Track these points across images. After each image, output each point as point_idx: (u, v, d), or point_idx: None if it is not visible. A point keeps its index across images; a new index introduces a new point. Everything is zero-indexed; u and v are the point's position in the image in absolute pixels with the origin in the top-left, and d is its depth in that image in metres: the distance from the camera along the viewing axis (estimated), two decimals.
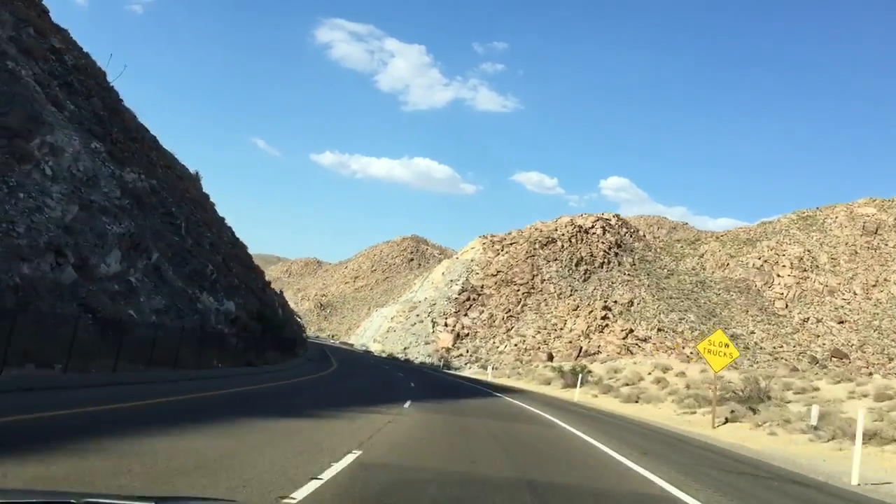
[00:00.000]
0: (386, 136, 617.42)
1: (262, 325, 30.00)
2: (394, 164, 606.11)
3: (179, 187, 35.74)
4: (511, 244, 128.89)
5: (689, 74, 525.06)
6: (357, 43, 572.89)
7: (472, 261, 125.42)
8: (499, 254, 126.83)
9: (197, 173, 47.36)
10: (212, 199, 47.13)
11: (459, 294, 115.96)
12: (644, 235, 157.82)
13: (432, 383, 35.34)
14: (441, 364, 71.71)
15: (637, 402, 32.91)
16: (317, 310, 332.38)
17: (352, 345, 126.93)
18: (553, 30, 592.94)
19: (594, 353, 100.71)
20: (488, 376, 53.08)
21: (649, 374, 41.57)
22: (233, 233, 50.68)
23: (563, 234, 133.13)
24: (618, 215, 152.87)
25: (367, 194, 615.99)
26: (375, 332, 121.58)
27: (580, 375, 42.26)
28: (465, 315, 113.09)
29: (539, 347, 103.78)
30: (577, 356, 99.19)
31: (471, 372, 63.75)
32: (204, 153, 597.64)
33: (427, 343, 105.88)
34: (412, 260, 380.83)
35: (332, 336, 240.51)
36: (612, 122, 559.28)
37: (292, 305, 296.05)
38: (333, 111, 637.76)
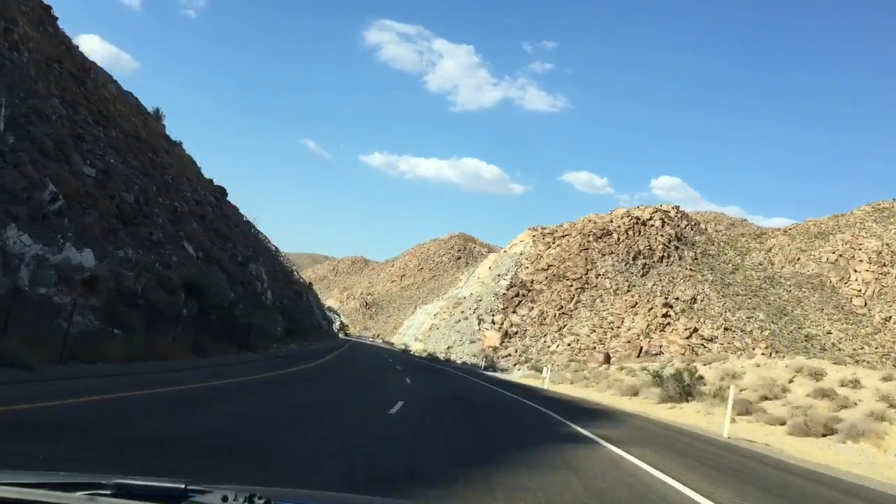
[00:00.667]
0: (434, 136, 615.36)
1: (196, 301, 22.10)
2: (442, 165, 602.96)
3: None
4: (563, 236, 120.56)
5: (742, 71, 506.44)
6: (406, 44, 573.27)
7: (520, 254, 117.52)
8: (549, 247, 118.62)
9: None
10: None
11: (508, 290, 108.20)
12: (706, 229, 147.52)
13: (448, 395, 22.22)
14: (484, 365, 63.88)
15: (833, 434, 19.39)
16: (362, 308, 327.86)
17: (392, 343, 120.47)
18: (603, 29, 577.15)
19: (655, 354, 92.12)
20: (544, 382, 42.34)
21: (791, 381, 28.78)
22: (224, 193, 44.21)
23: (619, 227, 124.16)
24: (677, 207, 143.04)
25: (415, 195, 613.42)
26: (417, 329, 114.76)
27: (688, 383, 28.86)
28: (514, 312, 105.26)
29: (594, 347, 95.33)
30: (638, 356, 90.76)
31: (520, 375, 54.58)
32: (256, 154, 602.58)
33: (472, 342, 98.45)
34: (459, 258, 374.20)
35: (377, 335, 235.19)
36: (663, 120, 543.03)
37: (338, 304, 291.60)
38: (382, 112, 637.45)
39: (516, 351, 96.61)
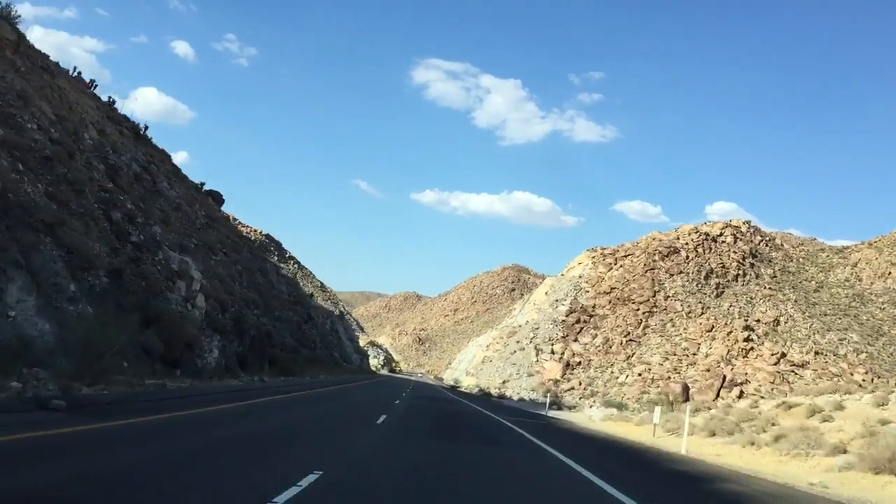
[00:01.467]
0: (484, 171, 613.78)
1: None
2: (493, 200, 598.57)
3: None
4: (626, 256, 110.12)
5: (795, 92, 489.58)
6: (453, 81, 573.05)
7: (580, 277, 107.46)
8: (611, 268, 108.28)
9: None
10: None
11: (567, 315, 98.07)
12: (781, 244, 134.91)
13: None
14: (549, 401, 53.74)
15: None
16: (415, 345, 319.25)
17: (442, 379, 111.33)
18: (650, 56, 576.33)
19: (741, 383, 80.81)
20: (657, 432, 27.34)
21: None
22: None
23: (686, 244, 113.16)
24: (748, 222, 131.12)
25: (467, 230, 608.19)
26: (469, 363, 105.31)
27: None
28: (576, 340, 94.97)
29: (669, 377, 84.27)
30: (721, 388, 79.58)
31: (600, 417, 40.28)
32: (308, 196, 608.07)
33: (530, 375, 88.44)
34: (513, 290, 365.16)
35: (429, 372, 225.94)
36: (716, 146, 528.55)
37: (390, 341, 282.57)
38: (432, 150, 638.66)
39: (580, 384, 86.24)
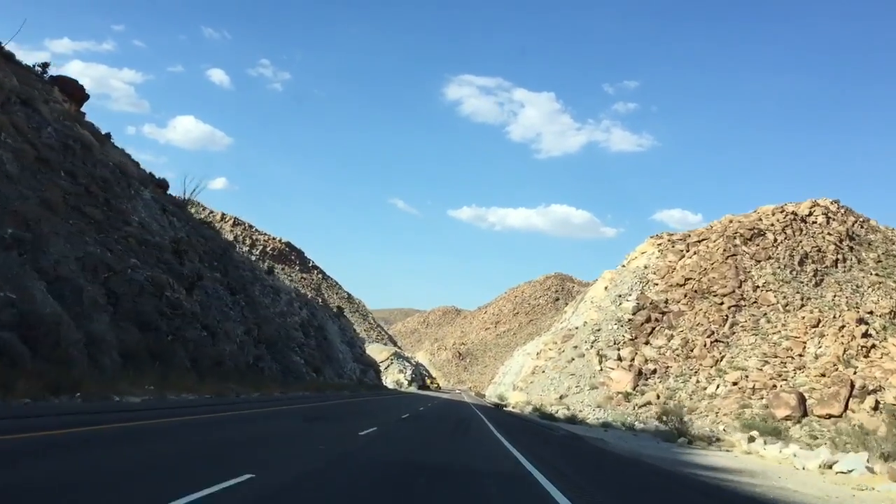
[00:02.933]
0: (521, 185, 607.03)
1: None
2: (531, 214, 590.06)
3: None
4: (699, 241, 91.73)
5: (830, 91, 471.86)
6: (486, 97, 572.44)
7: (645, 268, 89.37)
8: (683, 256, 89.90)
9: None
10: None
11: (635, 314, 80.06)
12: (878, 227, 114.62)
13: None
14: (675, 426, 35.19)
15: None
16: (455, 360, 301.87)
17: (483, 395, 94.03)
18: (683, 62, 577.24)
19: (875, 391, 62.17)
20: None
21: None
22: None
23: (771, 225, 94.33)
24: (837, 201, 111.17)
25: (505, 245, 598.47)
26: (516, 376, 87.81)
27: None
28: (647, 343, 76.88)
29: (774, 386, 65.83)
30: (849, 397, 61.14)
31: (812, 463, 21.09)
32: (347, 216, 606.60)
33: (593, 387, 70.66)
34: (557, 299, 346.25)
35: (471, 388, 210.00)
36: (754, 149, 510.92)
37: (427, 357, 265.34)
38: (468, 166, 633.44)
39: (658, 397, 68.19)
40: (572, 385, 71.69)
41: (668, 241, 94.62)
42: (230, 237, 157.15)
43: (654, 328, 78.67)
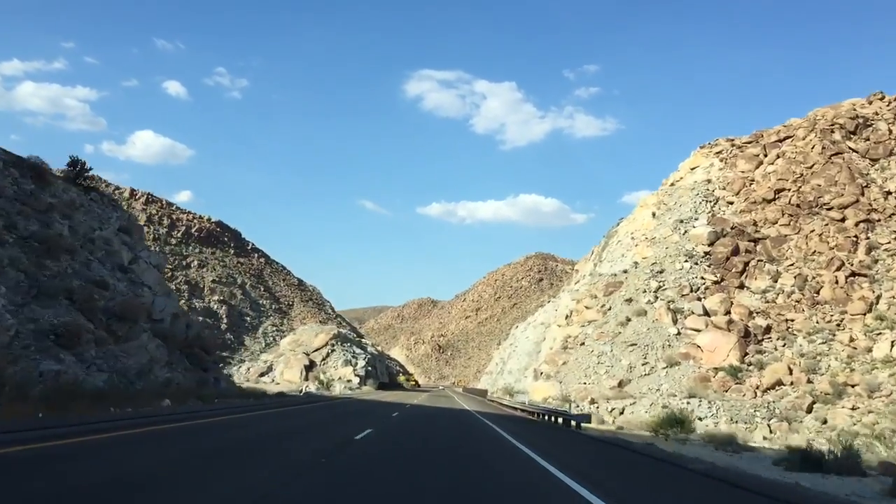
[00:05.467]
0: (488, 178, 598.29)
1: None
2: (500, 205, 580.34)
3: None
4: (784, 139, 62.73)
5: (792, 66, 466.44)
6: (447, 90, 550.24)
7: (707, 182, 60.23)
8: (761, 163, 60.74)
9: None
10: None
11: (712, 244, 50.66)
12: None
13: None
14: None
15: None
16: (435, 354, 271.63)
17: (484, 392, 63.87)
18: (643, 43, 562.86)
19: None
20: None
21: None
22: None
23: (875, 114, 65.57)
24: None
25: (477, 239, 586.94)
26: (529, 359, 58.19)
27: None
28: (742, 287, 47.60)
29: None
30: None
31: None
32: (317, 220, 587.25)
33: (672, 363, 41.25)
34: (541, 280, 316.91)
35: (456, 383, 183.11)
36: (719, 125, 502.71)
37: (404, 353, 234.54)
38: (434, 162, 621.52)
39: (790, 371, 38.92)
40: (635, 362, 42.04)
41: (732, 146, 65.38)
42: (142, 217, 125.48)
43: (747, 263, 49.31)
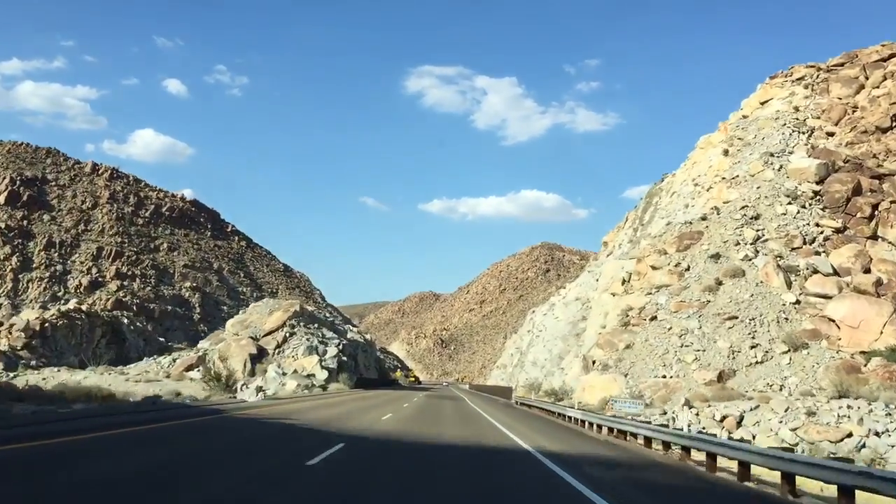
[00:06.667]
0: (489, 174, 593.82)
1: None
2: (501, 201, 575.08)
3: None
4: (884, 59, 48.16)
5: (796, 54, 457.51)
6: (448, 86, 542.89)
7: (795, 111, 45.82)
8: (862, 86, 46.29)
9: None
10: None
11: (820, 181, 36.24)
12: None
13: None
14: None
15: None
16: (437, 348, 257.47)
17: (510, 390, 48.47)
18: (644, 35, 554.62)
19: None
20: None
21: None
22: None
23: None
24: None
25: (478, 235, 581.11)
26: (564, 345, 43.91)
27: None
28: (875, 237, 33.07)
29: None
30: None
31: None
32: (318, 217, 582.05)
33: (795, 346, 26.59)
34: (548, 271, 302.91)
35: (460, 380, 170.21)
36: (721, 116, 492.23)
37: (404, 347, 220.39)
38: (435, 158, 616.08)
39: None
40: (739, 343, 27.84)
41: (818, 70, 50.86)
42: (105, 194, 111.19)
43: (875, 206, 34.86)
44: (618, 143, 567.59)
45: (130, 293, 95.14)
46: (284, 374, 39.11)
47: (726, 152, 43.54)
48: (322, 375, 40.84)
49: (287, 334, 46.06)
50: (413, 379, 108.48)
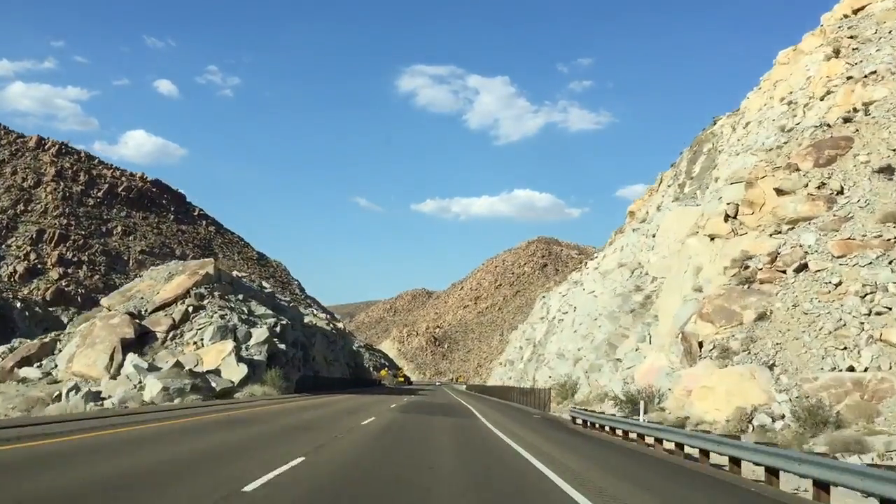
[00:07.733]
0: (482, 173, 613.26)
1: None
2: (494, 201, 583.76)
3: None
4: None
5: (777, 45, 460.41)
6: (440, 86, 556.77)
7: (877, 37, 32.97)
8: None
9: None
10: None
11: None
12: None
13: None
14: None
15: None
16: (430, 347, 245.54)
17: (539, 394, 35.43)
18: (636, 34, 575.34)
19: None
20: None
21: None
22: None
23: None
24: None
25: (471, 235, 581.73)
26: (613, 327, 31.57)
27: None
28: None
29: None
30: None
31: None
32: (310, 217, 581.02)
33: None
34: (546, 265, 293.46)
35: (455, 379, 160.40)
36: (718, 108, 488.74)
37: (396, 346, 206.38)
38: (428, 158, 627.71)
39: None
40: None
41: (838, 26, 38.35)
42: (51, 171, 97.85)
43: None
44: (610, 141, 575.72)
45: (75, 282, 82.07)
46: (152, 369, 26.41)
47: (837, 52, 31.05)
48: (237, 372, 28.17)
49: (189, 308, 33.18)
50: (402, 379, 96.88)
